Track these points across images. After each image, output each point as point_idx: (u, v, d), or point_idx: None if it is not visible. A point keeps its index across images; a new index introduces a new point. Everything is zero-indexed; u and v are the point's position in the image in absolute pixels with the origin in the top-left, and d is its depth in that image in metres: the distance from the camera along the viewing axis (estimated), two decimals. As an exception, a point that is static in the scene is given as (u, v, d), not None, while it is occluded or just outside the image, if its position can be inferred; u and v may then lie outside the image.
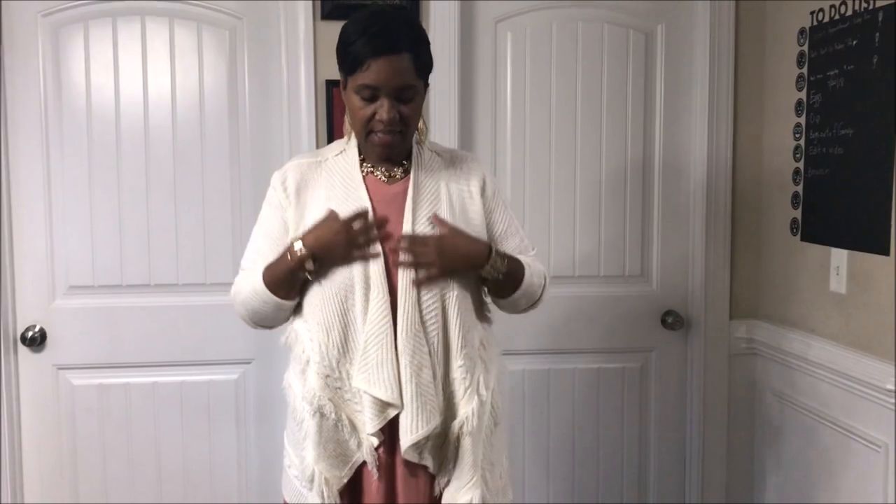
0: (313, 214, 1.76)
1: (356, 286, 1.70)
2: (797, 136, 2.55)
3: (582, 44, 2.70)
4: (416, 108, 1.75)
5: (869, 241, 2.22)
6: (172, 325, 2.64)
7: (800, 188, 2.54)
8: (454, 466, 1.74)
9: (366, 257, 1.70)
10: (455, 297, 1.74)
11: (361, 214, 1.70)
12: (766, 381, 2.72)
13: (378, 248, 1.71)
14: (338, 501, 1.72)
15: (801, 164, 2.53)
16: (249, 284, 1.79)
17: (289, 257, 1.71)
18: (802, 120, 2.52)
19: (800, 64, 2.54)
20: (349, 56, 1.69)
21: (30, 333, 2.58)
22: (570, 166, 2.73)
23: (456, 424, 1.74)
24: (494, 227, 1.86)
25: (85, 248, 2.60)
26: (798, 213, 2.55)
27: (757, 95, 2.73)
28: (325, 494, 1.71)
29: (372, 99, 1.69)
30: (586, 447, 2.84)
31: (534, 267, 1.86)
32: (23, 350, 2.60)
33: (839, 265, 2.36)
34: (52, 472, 2.64)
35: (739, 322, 2.77)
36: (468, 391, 1.74)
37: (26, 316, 2.59)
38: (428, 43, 1.76)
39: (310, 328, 1.75)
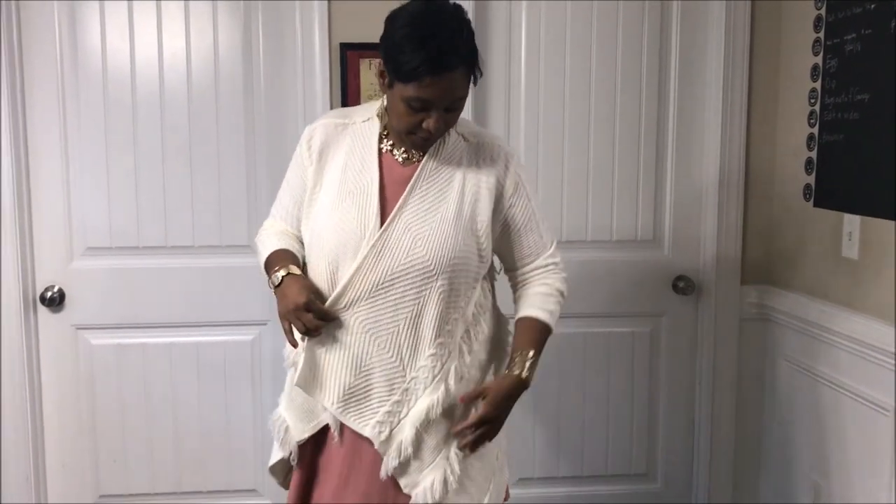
0: (330, 178, 1.78)
1: (339, 255, 1.72)
2: (812, 101, 2.54)
3: (597, 10, 2.69)
4: (461, 111, 1.73)
5: (882, 206, 2.22)
6: (188, 286, 2.68)
7: (814, 154, 2.53)
8: (414, 451, 1.74)
9: (291, 343, 1.73)
10: (438, 290, 1.72)
11: (333, 318, 1.71)
12: (776, 347, 2.74)
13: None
14: (294, 451, 1.81)
15: (815, 130, 2.53)
16: (260, 253, 1.86)
17: (270, 273, 1.76)
18: (818, 85, 2.51)
19: (816, 28, 2.52)
20: (402, 66, 1.61)
21: (48, 294, 2.62)
22: (584, 130, 2.73)
23: (414, 413, 1.73)
24: (514, 222, 1.83)
25: (101, 209, 2.63)
26: (811, 179, 2.54)
27: (772, 61, 2.71)
28: (283, 441, 1.81)
29: (421, 110, 1.66)
30: (595, 412, 2.87)
31: (554, 309, 1.83)
32: (42, 310, 2.64)
33: (852, 231, 2.36)
34: (72, 429, 2.70)
35: (751, 287, 2.78)
36: (435, 380, 1.74)
37: (45, 276, 2.63)
38: (477, 49, 1.69)
39: None
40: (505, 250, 1.86)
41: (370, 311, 1.71)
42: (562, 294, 1.86)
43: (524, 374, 1.74)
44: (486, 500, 1.81)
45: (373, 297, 1.71)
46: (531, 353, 1.76)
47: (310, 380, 1.75)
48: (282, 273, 1.72)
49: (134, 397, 2.71)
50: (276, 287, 1.72)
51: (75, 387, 2.69)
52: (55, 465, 2.70)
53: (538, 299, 1.83)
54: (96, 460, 2.72)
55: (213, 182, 2.65)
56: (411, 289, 1.71)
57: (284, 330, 1.72)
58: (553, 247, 1.88)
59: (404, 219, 1.72)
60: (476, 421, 1.70)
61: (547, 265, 1.86)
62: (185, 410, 2.73)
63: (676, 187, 2.78)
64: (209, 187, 2.65)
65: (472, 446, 1.73)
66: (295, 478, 1.85)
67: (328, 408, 1.76)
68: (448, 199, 1.75)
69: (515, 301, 1.89)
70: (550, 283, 1.85)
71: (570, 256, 2.55)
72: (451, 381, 1.75)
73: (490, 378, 1.84)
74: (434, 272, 1.71)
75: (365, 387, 1.74)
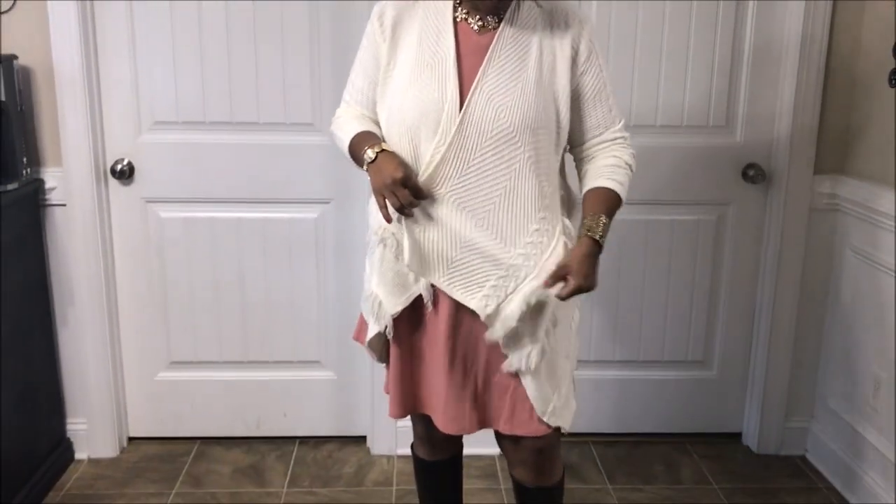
0: (405, 56, 1.74)
1: (421, 129, 1.70)
2: (907, -21, 2.39)
3: None
4: None
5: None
6: (254, 163, 2.70)
7: (904, 37, 2.40)
8: (518, 325, 1.73)
9: (381, 208, 1.69)
10: (528, 162, 1.70)
11: (427, 195, 1.68)
12: (846, 238, 2.68)
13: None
14: (390, 325, 1.80)
15: (908, 11, 2.38)
16: (340, 139, 1.83)
17: (361, 153, 1.73)
18: (915, -39, 2.35)
19: None
20: None
21: (118, 166, 2.67)
22: (659, 7, 2.62)
23: (525, 290, 1.72)
24: (584, 90, 1.77)
25: (168, 84, 2.64)
26: (899, 64, 2.42)
27: (866, -66, 2.54)
28: (378, 316, 1.81)
29: None
30: (655, 299, 2.87)
31: (623, 180, 1.79)
32: (113, 183, 2.70)
33: (939, 119, 2.26)
34: (144, 299, 2.81)
35: (824, 177, 2.70)
36: (545, 255, 1.74)
37: (115, 149, 2.68)
38: None
39: None
40: (574, 122, 1.79)
41: (462, 188, 1.70)
42: (630, 168, 1.82)
43: (597, 236, 1.70)
44: (568, 370, 1.84)
45: (464, 174, 1.69)
46: (603, 218, 1.72)
47: (418, 262, 1.75)
48: (376, 149, 1.70)
49: (202, 270, 2.79)
50: (371, 163, 1.70)
51: (146, 258, 2.77)
52: (129, 332, 2.83)
53: (607, 170, 1.79)
54: (167, 328, 2.83)
55: (276, 59, 2.63)
56: (500, 162, 1.68)
57: (379, 205, 1.70)
58: (621, 123, 1.84)
59: (485, 89, 1.68)
60: (571, 293, 1.66)
61: (615, 139, 1.82)
62: (251, 283, 2.81)
63: (753, 71, 2.67)
64: (273, 64, 2.63)
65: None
66: (393, 352, 1.85)
67: (438, 284, 1.75)
68: (528, 66, 1.71)
69: (581, 177, 1.85)
70: (619, 155, 1.81)
71: (637, 142, 2.48)
72: (552, 262, 1.73)
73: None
74: (519, 142, 1.68)
75: (468, 261, 1.73)
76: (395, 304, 1.79)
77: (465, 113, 1.68)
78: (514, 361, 1.75)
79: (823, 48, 2.60)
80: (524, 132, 1.68)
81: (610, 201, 1.76)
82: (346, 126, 1.83)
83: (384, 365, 1.92)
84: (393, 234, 1.78)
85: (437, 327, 1.79)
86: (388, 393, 1.90)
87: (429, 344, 1.82)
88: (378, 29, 1.77)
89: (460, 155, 1.69)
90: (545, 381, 1.77)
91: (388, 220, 1.70)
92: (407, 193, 1.66)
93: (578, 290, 1.67)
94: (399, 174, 1.65)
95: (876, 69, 2.53)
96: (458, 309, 1.77)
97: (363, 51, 1.82)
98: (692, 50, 2.66)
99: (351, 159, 1.81)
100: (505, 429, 1.82)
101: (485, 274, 1.73)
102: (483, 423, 1.84)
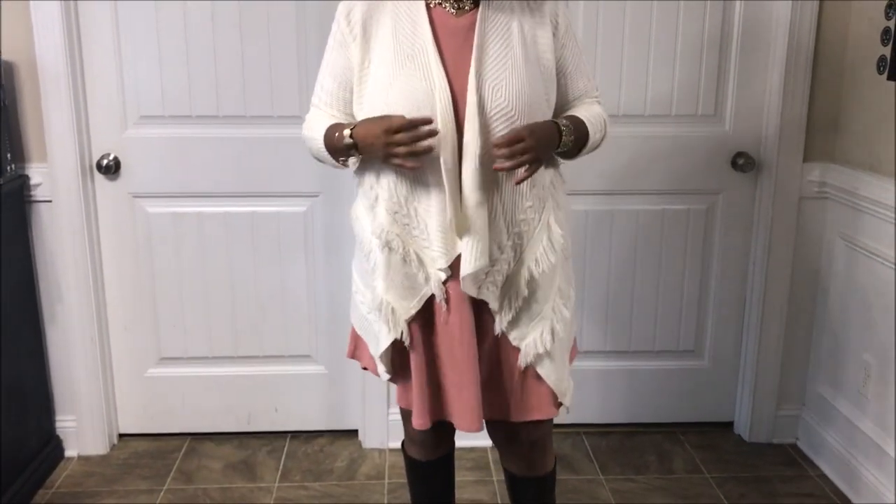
0: (381, 51, 1.71)
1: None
2: (895, -35, 2.38)
3: None
4: None
5: (963, 79, 2.11)
6: (241, 156, 2.68)
7: (892, 23, 2.39)
8: (523, 304, 1.75)
9: (402, 167, 1.64)
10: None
11: (421, 121, 1.61)
12: (835, 226, 2.68)
13: (431, 143, 1.62)
14: (405, 331, 1.75)
15: (895, -3, 2.38)
16: (313, 139, 1.79)
17: (336, 138, 1.70)
18: (902, -52, 2.35)
19: None
20: None
21: (105, 161, 2.65)
22: (647, -2, 2.62)
23: (525, 268, 1.74)
24: (565, 64, 1.80)
25: (154, 78, 2.62)
26: (887, 51, 2.41)
27: (854, -79, 2.54)
28: (392, 323, 1.75)
29: None
30: (646, 290, 2.87)
31: (595, 121, 1.81)
32: (99, 178, 2.68)
33: (927, 105, 2.25)
34: (132, 294, 2.79)
35: (813, 165, 2.70)
36: (538, 230, 1.74)
37: (101, 144, 2.66)
38: None
39: (378, 164, 1.73)
40: (558, 94, 1.80)
41: (464, 171, 1.67)
42: (605, 122, 1.84)
43: (561, 126, 1.71)
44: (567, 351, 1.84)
45: (465, 158, 1.66)
46: (567, 122, 1.73)
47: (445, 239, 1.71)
48: (349, 128, 1.68)
49: (191, 265, 2.77)
50: (354, 143, 1.67)
51: (134, 254, 2.75)
52: (118, 328, 2.81)
53: (582, 111, 1.81)
54: (156, 324, 2.82)
55: (262, 51, 2.61)
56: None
57: (397, 165, 1.64)
58: (598, 90, 1.87)
59: (478, 71, 1.67)
60: (510, 138, 1.61)
61: (591, 100, 1.85)
62: (240, 278, 2.79)
63: (741, 59, 2.67)
64: (259, 57, 2.61)
65: (520, 172, 1.66)
66: (414, 360, 1.78)
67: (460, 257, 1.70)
68: (513, 45, 1.70)
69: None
70: (595, 108, 1.84)
71: (626, 132, 2.49)
72: (554, 229, 1.75)
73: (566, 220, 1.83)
74: (518, 120, 1.67)
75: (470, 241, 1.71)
76: (409, 308, 1.75)
77: (461, 98, 1.66)
78: (528, 346, 1.74)
79: (811, 36, 2.60)
80: (521, 110, 1.67)
81: (580, 123, 1.77)
82: (316, 125, 1.79)
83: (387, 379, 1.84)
84: (398, 235, 1.73)
85: (455, 327, 1.74)
86: (404, 405, 1.86)
87: (445, 345, 1.77)
88: (346, 28, 1.74)
89: (461, 140, 1.66)
90: (560, 361, 1.77)
91: (415, 167, 1.63)
92: (405, 135, 1.60)
93: (517, 140, 1.61)
94: (384, 123, 1.61)
95: (864, 56, 2.53)
96: (474, 304, 1.74)
97: (331, 52, 1.78)
98: (680, 39, 2.65)
99: (329, 157, 1.76)
100: (516, 417, 1.80)
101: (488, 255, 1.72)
102: (489, 416, 1.82)
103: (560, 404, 1.80)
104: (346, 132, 1.69)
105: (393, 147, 1.61)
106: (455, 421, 1.79)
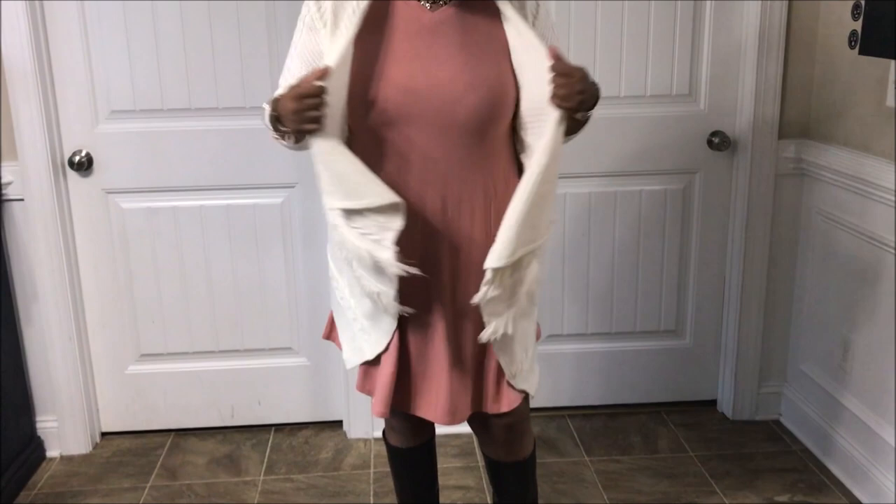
0: (341, 43, 1.65)
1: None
2: (864, -61, 2.38)
3: None
4: None
5: (933, 51, 2.11)
6: (215, 149, 2.66)
7: (862, -3, 2.40)
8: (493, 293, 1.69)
9: (314, 131, 1.58)
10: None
11: (318, 73, 1.54)
12: (812, 202, 2.69)
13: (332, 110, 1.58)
14: (395, 311, 1.69)
15: (865, -29, 2.38)
16: (266, 123, 1.74)
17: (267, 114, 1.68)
18: (871, -79, 2.35)
19: None
20: None
21: (76, 158, 2.62)
22: (618, -22, 2.60)
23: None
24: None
25: (124, 72, 2.58)
26: (858, 25, 2.41)
27: None
28: (386, 306, 1.69)
29: None
30: (626, 271, 2.87)
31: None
32: (72, 175, 2.65)
33: (899, 79, 2.26)
34: (110, 292, 2.76)
35: (788, 142, 2.70)
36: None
37: (72, 141, 2.62)
38: None
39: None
40: None
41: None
42: None
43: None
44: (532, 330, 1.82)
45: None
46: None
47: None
48: (267, 106, 1.65)
49: (168, 260, 2.75)
50: (275, 116, 1.63)
51: (110, 251, 2.73)
52: (96, 326, 2.78)
53: None
54: (135, 321, 2.79)
55: (233, 42, 2.58)
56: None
57: (308, 131, 1.58)
58: None
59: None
60: (574, 70, 1.56)
61: None
62: (218, 272, 2.77)
63: (714, 38, 2.67)
64: (230, 47, 2.58)
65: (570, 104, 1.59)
66: (393, 347, 1.74)
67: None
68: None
69: None
70: None
71: (601, 114, 2.47)
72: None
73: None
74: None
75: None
76: (378, 341, 1.74)
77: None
78: (491, 329, 1.68)
79: (784, 12, 2.60)
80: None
81: None
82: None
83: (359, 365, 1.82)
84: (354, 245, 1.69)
85: (439, 323, 1.73)
86: (364, 392, 1.83)
87: (429, 339, 1.74)
88: (316, 14, 1.69)
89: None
90: (516, 342, 1.74)
91: (316, 129, 1.58)
92: (311, 103, 1.54)
93: (581, 89, 1.57)
94: (293, 91, 1.55)
95: (836, 31, 2.53)
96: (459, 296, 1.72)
97: (300, 34, 1.74)
98: (653, 19, 2.64)
99: (276, 136, 1.73)
100: (493, 409, 1.77)
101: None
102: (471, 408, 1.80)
103: (524, 392, 1.78)
104: (266, 105, 1.66)
105: (306, 111, 1.55)
106: (425, 413, 1.77)
